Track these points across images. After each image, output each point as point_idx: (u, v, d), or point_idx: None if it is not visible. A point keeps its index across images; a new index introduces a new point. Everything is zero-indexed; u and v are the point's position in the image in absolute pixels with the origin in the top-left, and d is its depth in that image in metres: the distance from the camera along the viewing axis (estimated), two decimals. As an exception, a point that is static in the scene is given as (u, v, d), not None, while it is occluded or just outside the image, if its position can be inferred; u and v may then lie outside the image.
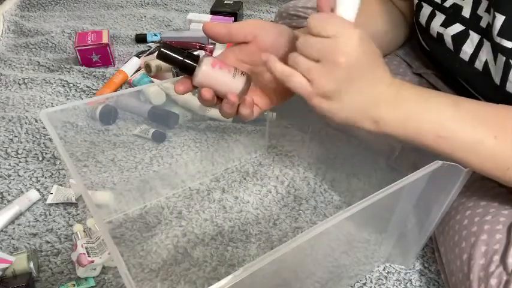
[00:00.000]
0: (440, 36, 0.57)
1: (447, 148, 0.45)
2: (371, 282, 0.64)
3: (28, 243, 0.67)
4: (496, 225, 0.51)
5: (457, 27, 0.54)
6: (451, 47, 0.55)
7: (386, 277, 0.65)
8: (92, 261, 0.60)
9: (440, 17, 0.56)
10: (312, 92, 0.43)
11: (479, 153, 0.45)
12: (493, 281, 0.47)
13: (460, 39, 0.54)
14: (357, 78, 0.42)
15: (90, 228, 0.68)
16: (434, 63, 0.67)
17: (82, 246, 0.62)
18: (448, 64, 0.59)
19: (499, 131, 0.44)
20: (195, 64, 0.45)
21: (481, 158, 0.45)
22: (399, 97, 0.45)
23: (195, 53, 1.15)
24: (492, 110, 0.46)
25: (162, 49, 0.45)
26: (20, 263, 0.61)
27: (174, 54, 0.45)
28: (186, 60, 0.45)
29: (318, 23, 0.42)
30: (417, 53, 0.72)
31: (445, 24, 0.55)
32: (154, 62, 1.07)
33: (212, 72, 0.45)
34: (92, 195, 0.70)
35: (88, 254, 0.61)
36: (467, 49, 0.53)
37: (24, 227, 0.70)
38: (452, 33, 0.54)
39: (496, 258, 0.49)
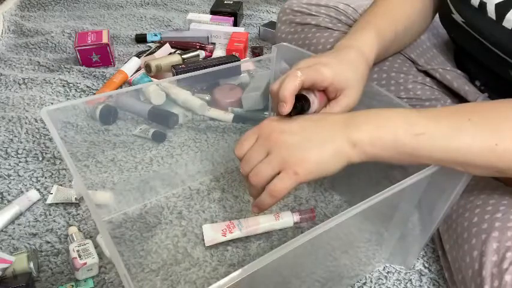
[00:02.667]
0: (482, 5, 0.56)
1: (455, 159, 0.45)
2: (371, 282, 0.64)
3: (28, 243, 0.67)
4: (507, 222, 0.51)
5: None
6: (493, 15, 0.55)
7: (386, 277, 0.65)
8: (85, 264, 0.61)
9: None
10: (297, 179, 0.45)
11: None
12: (508, 277, 0.47)
13: (504, 7, 0.54)
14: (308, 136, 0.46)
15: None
16: (464, 42, 0.66)
17: (73, 250, 0.62)
18: (486, 34, 0.58)
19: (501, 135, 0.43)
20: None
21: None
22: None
23: (195, 53, 1.16)
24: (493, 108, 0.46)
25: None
26: (20, 263, 0.61)
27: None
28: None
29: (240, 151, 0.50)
30: (423, 49, 0.72)
31: None
32: (154, 62, 1.08)
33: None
34: (92, 195, 0.70)
35: (80, 257, 0.61)
36: (511, 17, 0.53)
37: (24, 227, 0.70)
38: (496, 2, 0.54)
39: (510, 255, 0.49)
